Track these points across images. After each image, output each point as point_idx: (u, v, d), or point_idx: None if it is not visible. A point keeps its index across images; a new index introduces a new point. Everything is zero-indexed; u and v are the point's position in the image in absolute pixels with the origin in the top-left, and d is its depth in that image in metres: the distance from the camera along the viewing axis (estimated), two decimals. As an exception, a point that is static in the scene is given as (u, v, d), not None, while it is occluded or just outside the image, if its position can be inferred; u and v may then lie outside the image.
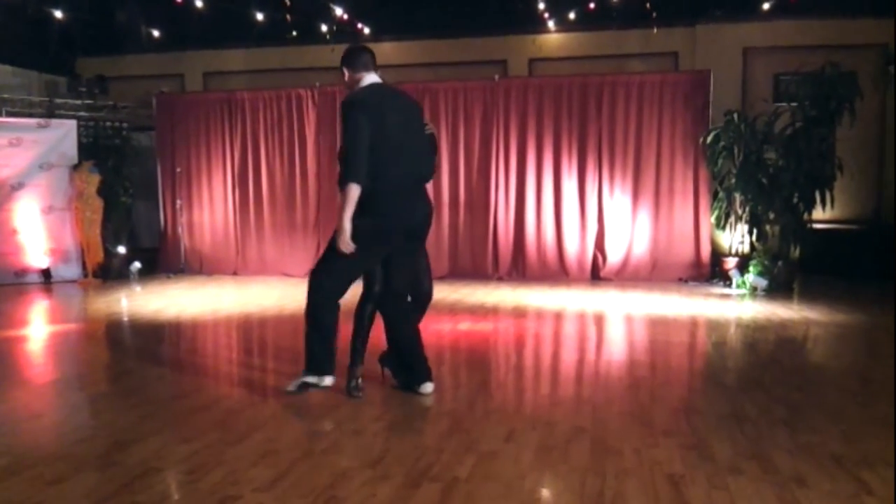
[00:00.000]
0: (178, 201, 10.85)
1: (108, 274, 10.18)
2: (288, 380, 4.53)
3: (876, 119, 9.54)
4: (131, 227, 11.29)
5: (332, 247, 4.10)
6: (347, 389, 4.32)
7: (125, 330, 6.94)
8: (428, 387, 4.35)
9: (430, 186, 9.89)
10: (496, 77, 10.16)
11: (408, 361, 4.40)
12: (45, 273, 9.90)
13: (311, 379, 4.32)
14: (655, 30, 10.13)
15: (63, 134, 10.01)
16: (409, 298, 4.46)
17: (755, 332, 6.42)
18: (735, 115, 9.07)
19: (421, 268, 4.56)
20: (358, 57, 4.24)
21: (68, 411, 4.32)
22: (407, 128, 4.20)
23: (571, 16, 10.20)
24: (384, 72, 10.96)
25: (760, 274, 8.66)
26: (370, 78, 4.21)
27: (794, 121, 8.79)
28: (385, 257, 4.27)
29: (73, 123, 10.20)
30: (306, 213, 10.50)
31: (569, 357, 5.76)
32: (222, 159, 10.85)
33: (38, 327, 7.17)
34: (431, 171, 4.53)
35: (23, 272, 9.84)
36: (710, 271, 9.60)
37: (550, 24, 10.41)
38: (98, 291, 9.20)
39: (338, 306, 4.26)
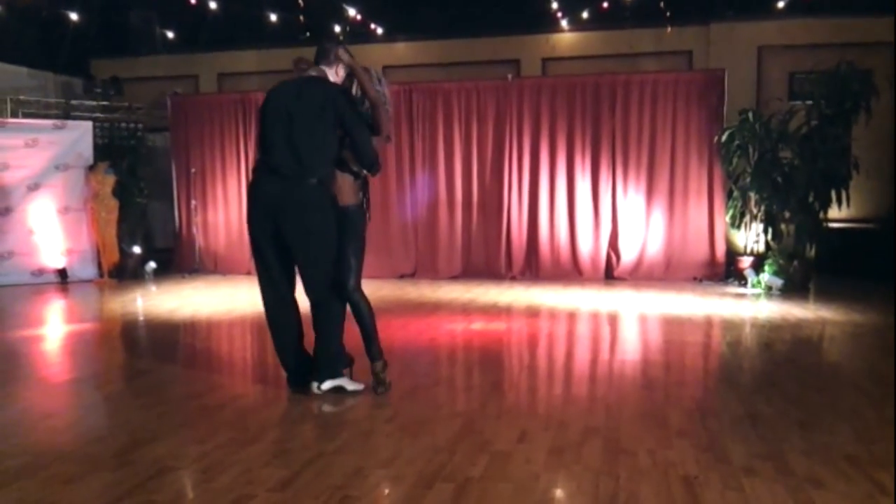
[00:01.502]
0: (193, 201, 10.91)
1: (124, 274, 10.25)
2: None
3: (892, 117, 9.44)
4: (146, 227, 11.36)
5: None
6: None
7: (140, 330, 6.98)
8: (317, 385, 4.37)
9: (443, 186, 10.13)
10: (509, 77, 10.15)
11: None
12: (62, 273, 9.98)
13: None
14: (669, 29, 10.08)
15: (79, 135, 10.09)
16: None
17: (770, 332, 6.38)
18: (750, 114, 9.01)
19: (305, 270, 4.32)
20: None
21: (83, 411, 4.36)
22: (281, 118, 4.16)
23: (585, 15, 10.17)
24: (397, 72, 10.91)
25: (776, 273, 8.61)
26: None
27: (809, 119, 8.72)
28: None
29: (88, 124, 10.28)
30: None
31: (582, 357, 5.75)
32: (236, 159, 10.90)
33: (54, 327, 7.23)
34: (305, 162, 4.12)
35: (39, 272, 9.93)
36: (724, 271, 9.54)
37: (564, 23, 10.38)
38: (114, 291, 9.26)
39: (277, 306, 4.48)
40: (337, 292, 4.32)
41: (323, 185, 4.19)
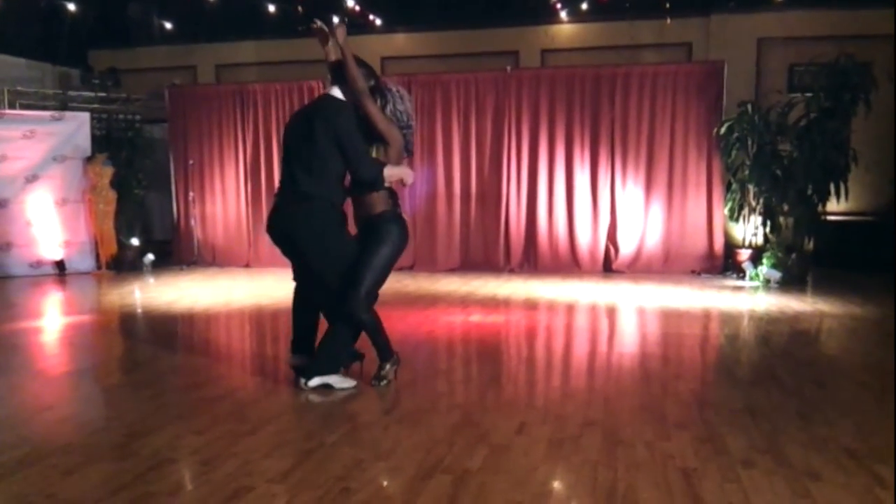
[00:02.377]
0: (191, 193, 10.90)
1: (122, 266, 10.25)
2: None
3: (891, 110, 9.43)
4: (144, 219, 11.36)
5: None
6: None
7: (139, 321, 6.98)
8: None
9: (441, 178, 10.12)
10: (508, 68, 10.13)
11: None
12: (60, 265, 9.97)
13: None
14: (669, 20, 10.05)
15: (76, 126, 10.06)
16: None
17: (768, 325, 6.39)
18: (749, 106, 9.01)
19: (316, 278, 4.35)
20: None
21: (82, 402, 4.36)
22: (287, 140, 4.36)
23: (584, 6, 10.13)
24: (396, 63, 10.90)
25: (774, 266, 8.62)
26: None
27: (808, 112, 8.72)
28: None
29: (86, 116, 10.24)
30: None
31: (580, 350, 5.75)
32: (234, 151, 10.89)
33: (52, 319, 7.23)
34: (294, 182, 4.22)
35: (37, 264, 9.92)
36: (723, 263, 9.56)
37: (563, 14, 10.34)
38: (112, 283, 9.25)
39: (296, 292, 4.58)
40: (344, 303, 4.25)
41: (327, 205, 4.19)
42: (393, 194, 4.36)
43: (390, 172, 4.25)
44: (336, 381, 4.33)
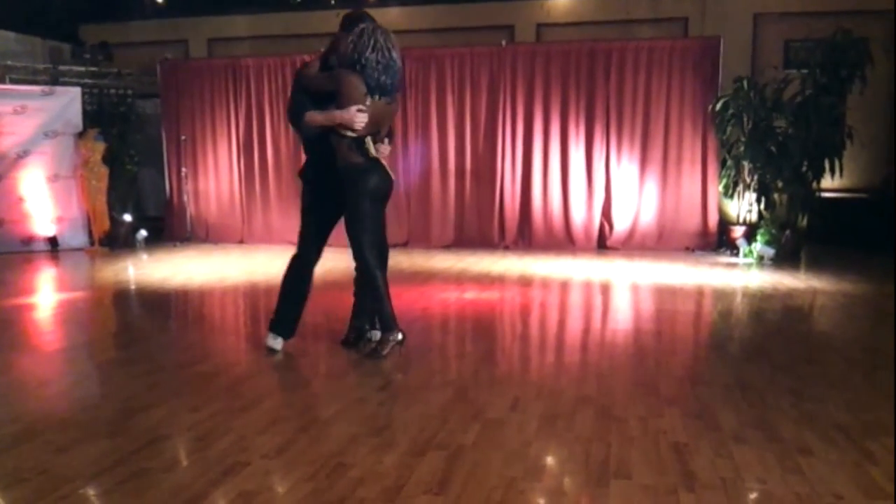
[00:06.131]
0: (184, 169, 10.83)
1: (115, 242, 10.19)
2: (297, 350, 4.61)
3: (887, 86, 9.41)
4: (137, 195, 11.29)
5: None
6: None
7: (132, 298, 6.97)
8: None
9: (436, 154, 10.08)
10: (503, 43, 10.04)
11: None
12: (52, 241, 9.92)
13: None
14: (665, -6, 9.98)
15: (68, 101, 9.95)
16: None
17: (761, 302, 6.41)
18: (744, 82, 8.97)
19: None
20: None
21: (77, 379, 4.36)
22: None
23: (580, -19, 10.06)
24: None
25: (768, 243, 8.63)
26: None
27: (804, 88, 8.67)
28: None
29: (77, 91, 10.14)
30: (312, 182, 10.46)
31: (574, 326, 5.76)
32: (227, 127, 10.80)
33: (45, 295, 7.21)
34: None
35: (29, 240, 9.87)
36: (717, 240, 9.56)
37: (558, -12, 10.26)
38: (105, 259, 9.23)
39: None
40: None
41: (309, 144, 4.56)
42: (360, 144, 4.24)
43: (319, 117, 4.28)
44: (269, 339, 4.58)
